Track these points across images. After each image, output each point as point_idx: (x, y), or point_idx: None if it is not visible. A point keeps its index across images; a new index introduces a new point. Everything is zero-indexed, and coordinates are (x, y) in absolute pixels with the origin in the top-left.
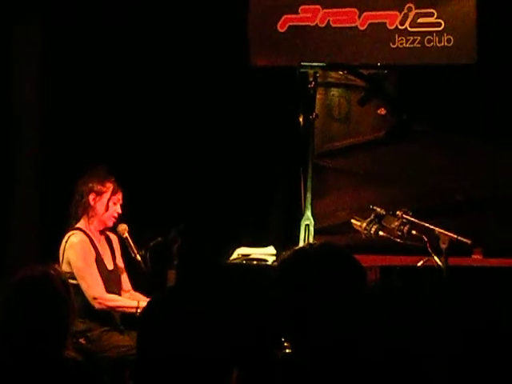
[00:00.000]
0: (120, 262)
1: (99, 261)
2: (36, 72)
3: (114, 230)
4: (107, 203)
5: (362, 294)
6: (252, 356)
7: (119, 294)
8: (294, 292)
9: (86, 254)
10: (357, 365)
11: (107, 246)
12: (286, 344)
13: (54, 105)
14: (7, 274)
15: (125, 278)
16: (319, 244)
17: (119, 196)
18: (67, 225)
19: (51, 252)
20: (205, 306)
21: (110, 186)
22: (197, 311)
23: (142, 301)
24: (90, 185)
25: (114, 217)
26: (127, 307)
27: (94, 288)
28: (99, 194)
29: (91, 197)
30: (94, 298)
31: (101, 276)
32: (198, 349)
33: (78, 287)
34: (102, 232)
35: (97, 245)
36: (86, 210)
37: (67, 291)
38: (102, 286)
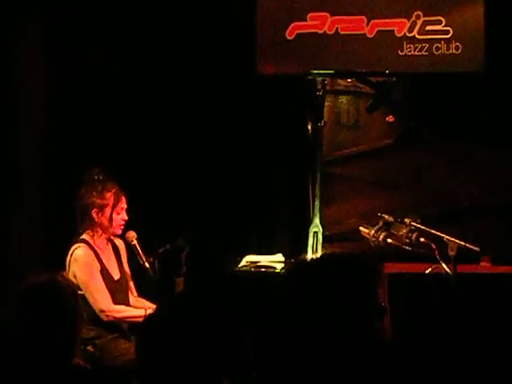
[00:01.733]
0: (127, 269)
1: (105, 273)
2: (38, 72)
3: (122, 236)
4: (110, 215)
5: (374, 301)
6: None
7: (127, 304)
8: (305, 300)
9: (90, 268)
10: (366, 372)
11: (113, 255)
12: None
13: (58, 105)
14: (9, 276)
15: (131, 286)
16: (332, 252)
17: (122, 204)
18: (74, 236)
19: (54, 255)
20: (211, 314)
21: (110, 197)
22: (199, 318)
23: (149, 308)
24: (91, 199)
25: (121, 225)
26: (135, 317)
27: (100, 301)
28: (101, 208)
29: (94, 212)
30: (102, 311)
31: (107, 288)
32: (198, 356)
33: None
34: (108, 240)
35: (102, 257)
36: (91, 224)
37: (74, 298)
38: (109, 298)
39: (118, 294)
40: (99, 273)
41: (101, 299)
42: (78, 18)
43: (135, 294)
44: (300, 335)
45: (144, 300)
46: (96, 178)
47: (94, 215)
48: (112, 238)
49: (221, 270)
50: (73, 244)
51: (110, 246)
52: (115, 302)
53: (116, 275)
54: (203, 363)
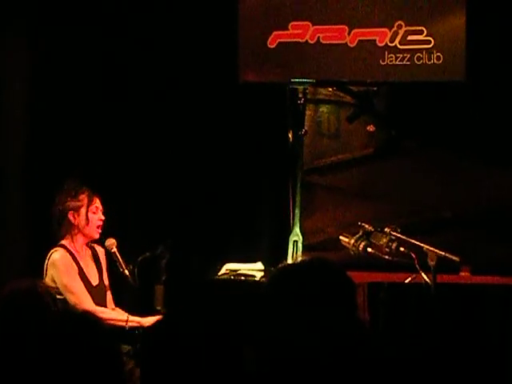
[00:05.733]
0: (105, 278)
1: (82, 277)
2: (23, 75)
3: (101, 243)
4: (86, 216)
5: (352, 308)
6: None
7: None
8: (283, 307)
9: (68, 269)
10: (344, 379)
11: (92, 262)
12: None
13: (42, 113)
14: None
15: (109, 295)
16: (310, 259)
17: (96, 204)
18: (53, 244)
19: (37, 262)
20: (194, 325)
21: (83, 198)
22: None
23: (130, 316)
24: (67, 203)
25: (99, 226)
26: (117, 320)
27: (83, 301)
28: (76, 209)
29: (70, 215)
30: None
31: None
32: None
33: (66, 301)
34: (88, 246)
35: (80, 261)
36: (69, 228)
37: (54, 303)
38: (91, 299)
39: (96, 299)
40: (78, 275)
41: (84, 299)
42: (62, 26)
43: (113, 305)
44: (283, 340)
45: (121, 310)
46: (70, 186)
47: (71, 217)
48: (93, 245)
49: (200, 278)
50: (50, 249)
51: (89, 252)
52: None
53: (94, 281)
54: (203, 376)
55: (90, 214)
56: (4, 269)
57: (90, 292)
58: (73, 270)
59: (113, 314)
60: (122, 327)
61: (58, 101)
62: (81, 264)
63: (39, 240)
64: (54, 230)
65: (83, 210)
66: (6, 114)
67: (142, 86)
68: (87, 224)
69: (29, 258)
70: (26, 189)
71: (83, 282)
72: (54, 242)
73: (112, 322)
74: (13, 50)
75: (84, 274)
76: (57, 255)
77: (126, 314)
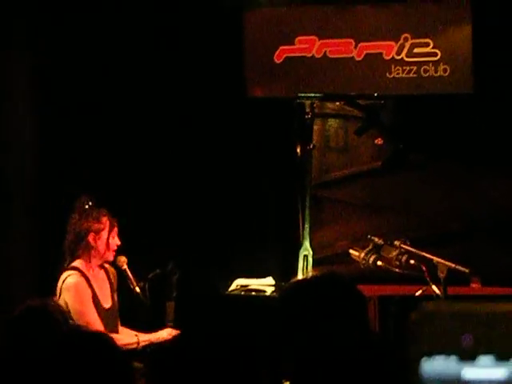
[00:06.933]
0: (116, 299)
1: (96, 301)
2: (23, 75)
3: (113, 262)
4: (107, 240)
5: (364, 322)
6: None
7: (116, 333)
8: (295, 322)
9: (82, 296)
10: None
11: (107, 283)
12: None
13: (42, 113)
14: (5, 303)
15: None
16: (321, 273)
17: (116, 228)
18: (62, 262)
19: (45, 280)
20: (206, 341)
21: (106, 222)
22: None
23: (140, 336)
24: (88, 224)
25: (114, 250)
26: (128, 344)
27: (96, 329)
28: (98, 232)
29: (91, 237)
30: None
31: (98, 316)
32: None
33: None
34: (101, 266)
35: (93, 284)
36: (87, 250)
37: (66, 321)
38: (102, 327)
39: (109, 322)
40: (91, 300)
41: (96, 327)
42: (62, 26)
43: (119, 326)
44: (293, 359)
45: (129, 330)
46: (87, 204)
47: (91, 240)
48: (106, 266)
49: (211, 294)
50: (64, 270)
51: (103, 272)
52: (105, 331)
53: (107, 304)
54: None
55: (110, 239)
56: (4, 269)
57: (102, 316)
58: (87, 297)
59: (123, 339)
60: (135, 349)
61: (57, 100)
62: (94, 287)
63: (39, 240)
64: (66, 249)
65: (104, 234)
66: (7, 114)
67: (149, 102)
68: (108, 248)
69: (29, 258)
70: (26, 189)
71: (96, 307)
72: (64, 261)
73: (124, 347)
74: (13, 50)
75: (97, 297)
76: (72, 280)
77: (136, 335)
